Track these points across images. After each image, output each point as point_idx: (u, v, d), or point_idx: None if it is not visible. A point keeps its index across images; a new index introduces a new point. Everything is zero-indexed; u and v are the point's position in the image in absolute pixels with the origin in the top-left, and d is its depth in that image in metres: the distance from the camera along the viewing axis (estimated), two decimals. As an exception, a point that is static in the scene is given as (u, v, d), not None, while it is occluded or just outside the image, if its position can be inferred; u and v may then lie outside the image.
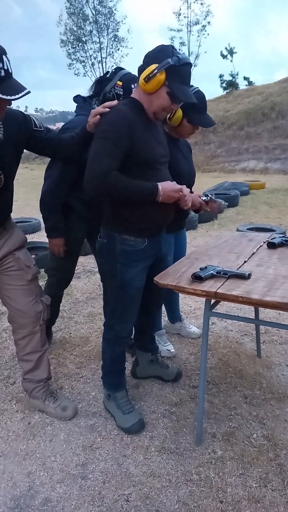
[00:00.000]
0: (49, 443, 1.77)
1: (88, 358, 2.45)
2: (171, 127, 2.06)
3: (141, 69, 1.54)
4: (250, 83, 23.48)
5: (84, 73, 29.94)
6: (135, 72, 1.64)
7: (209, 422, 1.88)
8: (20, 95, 1.32)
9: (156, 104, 1.56)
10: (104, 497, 1.50)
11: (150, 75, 1.48)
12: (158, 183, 1.56)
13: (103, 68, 29.55)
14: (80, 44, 28.87)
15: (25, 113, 1.68)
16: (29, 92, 1.35)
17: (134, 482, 1.57)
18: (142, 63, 1.55)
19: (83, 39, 28.76)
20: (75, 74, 29.75)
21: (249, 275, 1.57)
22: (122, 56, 30.51)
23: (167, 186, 1.57)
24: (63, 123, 2.09)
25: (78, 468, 1.64)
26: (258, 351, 2.47)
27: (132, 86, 1.84)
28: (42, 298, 1.87)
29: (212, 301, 1.66)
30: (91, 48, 29.39)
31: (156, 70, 1.47)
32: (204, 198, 2.01)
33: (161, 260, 1.87)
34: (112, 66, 31.05)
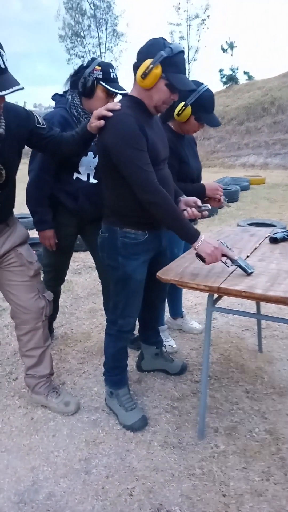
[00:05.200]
0: (52, 438, 1.78)
1: (90, 353, 2.45)
2: (178, 123, 2.05)
3: (135, 66, 1.53)
4: (250, 77, 23.34)
5: (83, 68, 29.67)
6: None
7: (211, 417, 1.89)
8: (8, 91, 1.28)
9: (156, 98, 1.55)
10: (107, 491, 1.51)
11: (147, 71, 1.47)
12: (202, 234, 1.56)
13: (102, 63, 29.30)
14: (78, 39, 28.70)
15: (28, 109, 1.67)
16: (21, 88, 1.31)
17: (137, 476, 1.57)
18: (136, 61, 1.54)
19: (82, 34, 28.59)
20: (74, 69, 29.59)
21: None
22: (121, 50, 30.36)
23: (209, 240, 1.56)
24: None
25: (81, 463, 1.64)
26: (259, 346, 2.48)
27: (110, 70, 1.86)
28: (44, 294, 1.87)
29: (215, 296, 1.66)
30: (89, 43, 29.26)
31: (152, 65, 1.46)
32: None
33: (162, 253, 1.88)
34: (111, 61, 31.02)
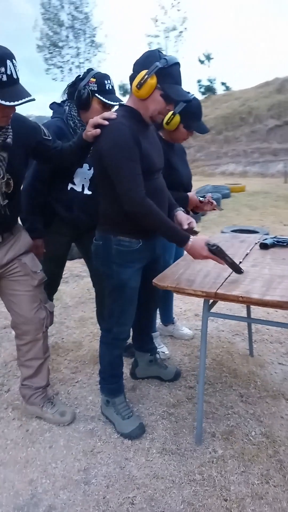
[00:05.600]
0: (49, 449, 1.75)
1: (82, 363, 2.43)
2: (167, 132, 2.09)
3: (132, 78, 1.56)
4: (227, 88, 23.93)
5: (62, 78, 29.80)
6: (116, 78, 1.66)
7: (207, 422, 1.90)
8: (20, 101, 1.29)
9: (152, 108, 1.58)
10: (108, 501, 1.50)
11: (142, 81, 1.50)
12: (191, 238, 1.58)
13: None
14: (57, 49, 28.79)
15: (35, 121, 1.67)
16: (33, 99, 1.32)
17: (138, 484, 1.57)
18: (132, 72, 1.57)
19: (60, 44, 28.70)
20: (53, 79, 29.67)
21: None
22: (99, 61, 30.61)
23: (197, 244, 1.57)
24: None
25: (80, 474, 1.62)
26: (250, 350, 2.51)
27: (105, 82, 1.86)
28: (46, 305, 1.85)
29: (210, 301, 1.68)
30: (68, 54, 29.36)
31: (147, 75, 1.49)
32: (201, 198, 2.06)
33: (156, 261, 1.90)
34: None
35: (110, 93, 1.86)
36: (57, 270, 2.27)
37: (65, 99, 1.99)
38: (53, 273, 2.24)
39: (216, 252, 1.54)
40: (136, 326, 2.11)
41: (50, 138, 1.70)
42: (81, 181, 1.98)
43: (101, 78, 1.85)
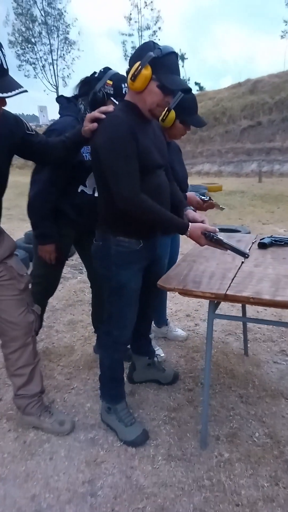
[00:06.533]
0: (50, 461, 1.67)
1: (76, 368, 2.35)
2: (163, 129, 2.04)
3: (127, 72, 1.50)
4: (201, 88, 24.17)
5: (35, 75, 29.24)
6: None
7: (210, 425, 1.87)
8: (12, 93, 1.21)
9: (150, 100, 1.51)
10: (118, 513, 1.44)
11: (136, 73, 1.44)
12: (190, 224, 1.57)
13: (54, 70, 29.08)
14: (29, 45, 28.26)
15: (17, 116, 1.58)
16: (25, 91, 1.25)
17: (147, 494, 1.51)
18: (128, 67, 1.51)
19: (33, 40, 28.18)
20: (25, 75, 29.07)
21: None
22: (73, 58, 30.26)
23: (195, 234, 1.57)
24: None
25: (85, 485, 1.55)
26: (245, 350, 2.51)
27: (122, 85, 1.79)
28: (33, 308, 1.77)
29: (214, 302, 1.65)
30: (41, 50, 28.86)
31: (140, 66, 1.43)
32: (203, 198, 2.03)
33: (156, 262, 1.85)
34: (64, 68, 30.82)
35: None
36: (58, 272, 2.21)
37: (75, 94, 1.91)
38: (53, 276, 2.18)
39: (214, 241, 1.55)
40: (133, 329, 2.05)
41: (34, 132, 1.62)
42: (93, 183, 1.93)
43: (118, 81, 1.78)
